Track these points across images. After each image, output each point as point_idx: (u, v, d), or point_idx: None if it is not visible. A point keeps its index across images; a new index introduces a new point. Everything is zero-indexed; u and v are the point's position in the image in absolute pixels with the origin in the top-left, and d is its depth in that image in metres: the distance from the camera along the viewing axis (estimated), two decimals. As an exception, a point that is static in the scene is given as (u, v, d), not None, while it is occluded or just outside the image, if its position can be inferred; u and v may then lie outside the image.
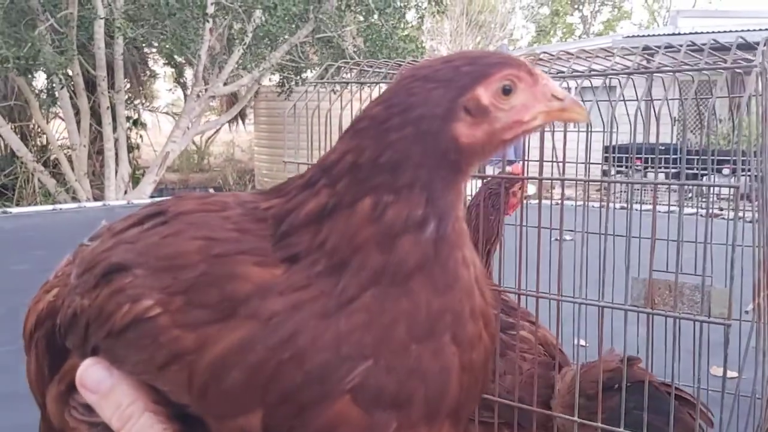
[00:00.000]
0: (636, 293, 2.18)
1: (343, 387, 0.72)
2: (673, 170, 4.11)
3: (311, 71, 15.30)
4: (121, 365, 0.83)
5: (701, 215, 2.68)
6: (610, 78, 1.87)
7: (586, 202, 1.80)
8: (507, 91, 0.82)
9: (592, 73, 1.64)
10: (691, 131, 11.18)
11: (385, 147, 0.77)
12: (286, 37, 14.09)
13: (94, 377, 0.84)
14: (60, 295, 0.99)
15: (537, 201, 2.09)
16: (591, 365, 1.79)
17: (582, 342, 2.89)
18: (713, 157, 2.67)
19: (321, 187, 0.78)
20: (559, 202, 2.01)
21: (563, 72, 1.68)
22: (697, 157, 3.46)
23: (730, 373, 2.64)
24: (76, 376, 0.85)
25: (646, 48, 1.88)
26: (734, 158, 1.98)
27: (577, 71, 1.63)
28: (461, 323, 0.78)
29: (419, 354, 0.75)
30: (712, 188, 2.10)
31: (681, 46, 1.65)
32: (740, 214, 1.95)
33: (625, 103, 2.03)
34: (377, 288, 0.75)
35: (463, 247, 0.80)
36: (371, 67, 1.97)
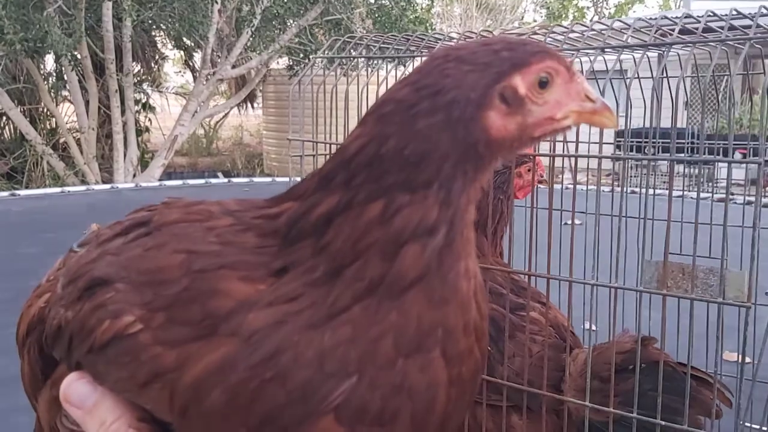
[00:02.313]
0: (648, 276, 2.14)
1: (327, 406, 0.70)
2: (680, 154, 4.05)
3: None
4: (103, 381, 0.81)
5: (714, 199, 2.63)
6: (623, 58, 1.81)
7: (599, 184, 1.75)
8: (543, 84, 0.77)
9: (608, 46, 1.59)
10: (700, 114, 11.04)
11: (411, 136, 0.72)
12: (295, 19, 14.01)
13: (78, 393, 0.82)
14: (50, 301, 0.98)
15: (548, 182, 2.04)
16: (604, 347, 1.74)
17: (593, 326, 2.85)
18: (725, 142, 2.62)
19: (336, 185, 0.74)
20: (570, 185, 1.97)
21: (576, 47, 1.63)
22: (709, 142, 3.41)
23: (746, 359, 2.60)
24: (60, 391, 0.84)
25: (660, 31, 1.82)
26: (746, 143, 1.93)
27: (591, 46, 1.58)
28: (453, 338, 0.75)
29: (406, 369, 0.72)
30: (728, 170, 2.06)
31: (696, 27, 1.60)
32: (751, 197, 1.91)
33: (640, 82, 1.98)
34: (370, 299, 0.71)
35: (467, 258, 0.76)
36: (377, 42, 1.93)
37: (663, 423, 1.45)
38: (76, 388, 0.82)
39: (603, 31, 1.60)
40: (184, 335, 0.74)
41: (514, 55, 0.76)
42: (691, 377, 1.54)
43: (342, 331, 0.71)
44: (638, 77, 1.86)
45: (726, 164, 1.80)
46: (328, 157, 2.00)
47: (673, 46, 1.69)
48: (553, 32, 1.70)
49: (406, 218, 0.71)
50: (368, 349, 0.71)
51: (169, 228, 0.84)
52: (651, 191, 2.42)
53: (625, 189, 1.92)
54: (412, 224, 0.71)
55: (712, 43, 1.57)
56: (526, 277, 1.83)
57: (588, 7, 36.59)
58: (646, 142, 2.66)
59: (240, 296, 0.73)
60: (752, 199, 2.02)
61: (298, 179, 1.97)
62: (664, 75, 1.86)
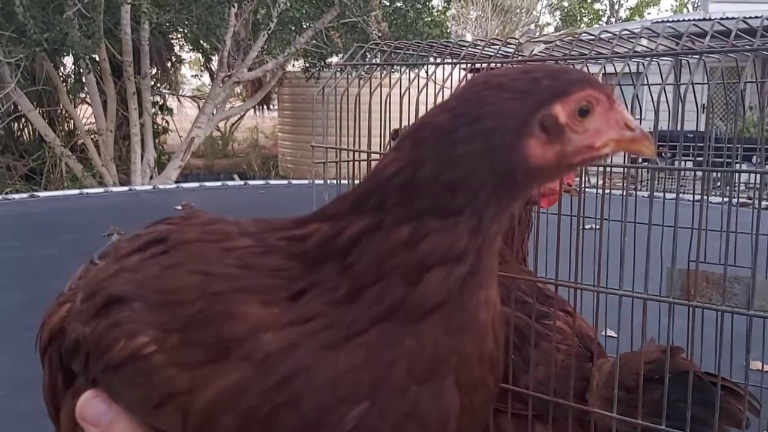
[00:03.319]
0: (672, 285, 2.12)
1: (340, 431, 0.70)
2: (699, 158, 4.01)
3: (336, 57, 15.26)
4: (118, 400, 0.82)
5: (732, 204, 2.60)
6: (637, 63, 1.80)
7: (626, 191, 1.74)
8: (584, 113, 0.77)
9: (636, 55, 1.57)
10: (720, 119, 10.97)
11: (448, 163, 0.71)
12: (311, 22, 14.05)
13: (94, 411, 0.83)
14: (70, 312, 0.98)
15: (576, 192, 2.03)
16: (630, 356, 1.72)
17: (612, 333, 2.83)
18: (747, 146, 2.59)
19: (369, 208, 0.74)
20: (589, 190, 1.95)
21: (603, 54, 1.62)
22: (725, 145, 3.38)
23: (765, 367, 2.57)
24: (76, 409, 0.84)
25: (674, 35, 1.80)
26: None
27: (619, 53, 1.56)
28: (467, 367, 0.75)
29: (418, 396, 0.72)
30: (762, 179, 2.04)
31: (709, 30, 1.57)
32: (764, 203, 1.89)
33: (649, 89, 1.96)
34: (388, 323, 0.71)
35: (488, 288, 0.76)
36: (401, 49, 1.92)
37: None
38: (91, 407, 0.83)
39: (631, 39, 1.59)
40: (198, 358, 0.74)
41: (555, 83, 0.76)
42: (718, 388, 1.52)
43: (356, 354, 0.71)
44: (662, 83, 1.84)
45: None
46: (350, 163, 2.01)
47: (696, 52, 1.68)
48: (581, 39, 1.69)
49: (434, 243, 0.71)
50: (381, 374, 0.71)
51: (186, 247, 0.84)
52: (661, 195, 2.40)
53: (635, 195, 1.90)
54: (439, 250, 0.71)
55: (743, 52, 1.56)
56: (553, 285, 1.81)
57: (603, 11, 36.41)
58: (670, 145, 2.64)
59: (255, 319, 0.73)
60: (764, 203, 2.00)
61: (320, 182, 1.99)
62: (676, 83, 1.84)
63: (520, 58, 1.73)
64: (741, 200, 3.27)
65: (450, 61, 1.82)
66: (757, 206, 1.80)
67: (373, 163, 2.05)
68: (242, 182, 10.92)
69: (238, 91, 19.99)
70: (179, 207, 7.56)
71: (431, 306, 0.71)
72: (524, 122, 0.73)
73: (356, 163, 1.96)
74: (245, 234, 0.83)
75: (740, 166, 2.83)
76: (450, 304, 0.72)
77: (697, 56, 1.52)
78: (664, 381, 1.52)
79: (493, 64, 1.80)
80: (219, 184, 10.23)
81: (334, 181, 1.98)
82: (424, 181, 0.72)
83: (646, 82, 1.93)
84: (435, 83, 1.81)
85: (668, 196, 2.60)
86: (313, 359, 0.70)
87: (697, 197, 2.38)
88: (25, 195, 8.95)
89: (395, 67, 1.99)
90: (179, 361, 0.75)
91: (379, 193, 0.73)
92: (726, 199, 2.86)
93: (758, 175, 1.91)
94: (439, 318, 0.72)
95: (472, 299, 0.73)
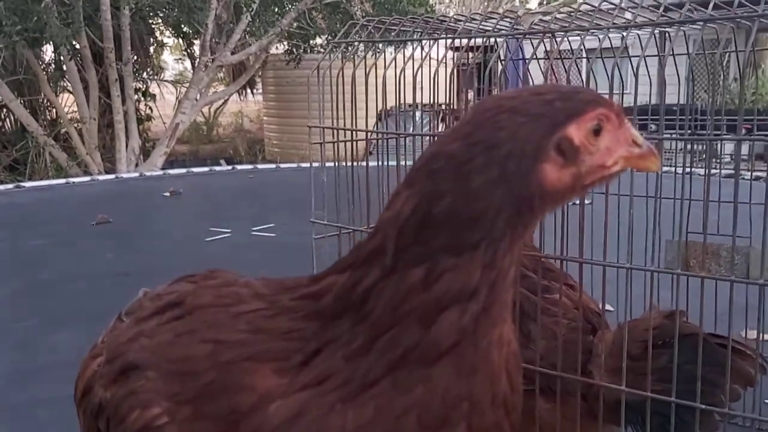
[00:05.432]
0: (671, 256, 2.12)
1: None
2: (682, 131, 4.02)
3: (319, 38, 15.15)
4: None
5: (719, 176, 2.61)
6: (623, 37, 1.78)
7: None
8: (597, 132, 0.76)
9: (635, 24, 1.56)
10: (704, 90, 11.00)
11: (466, 194, 0.70)
12: (294, 3, 13.91)
13: None
14: (98, 371, 1.01)
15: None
16: (633, 324, 1.71)
17: (609, 307, 2.84)
18: (730, 117, 2.60)
19: (386, 254, 0.72)
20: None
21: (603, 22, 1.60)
22: (710, 117, 3.40)
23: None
24: None
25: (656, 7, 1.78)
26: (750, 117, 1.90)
27: (618, 24, 1.55)
28: (479, 411, 0.74)
29: None
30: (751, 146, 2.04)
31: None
32: (758, 173, 1.91)
33: (645, 61, 1.94)
34: (401, 370, 0.70)
35: (503, 324, 0.75)
36: (397, 25, 1.90)
37: (702, 407, 1.43)
38: None
39: (632, 9, 1.58)
40: (208, 430, 0.75)
41: (568, 104, 0.75)
42: (724, 348, 1.51)
43: (366, 410, 0.70)
44: (629, 56, 1.82)
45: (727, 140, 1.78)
46: (348, 143, 1.99)
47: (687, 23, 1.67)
48: (579, 10, 1.67)
49: (449, 282, 0.70)
50: (391, 427, 0.70)
51: (201, 313, 0.86)
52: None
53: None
54: (455, 288, 0.70)
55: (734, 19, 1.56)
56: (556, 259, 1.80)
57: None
58: (652, 119, 2.64)
59: (263, 390, 0.74)
60: (759, 174, 2.02)
61: (317, 165, 1.97)
62: (662, 54, 1.83)
63: (517, 31, 1.72)
64: (727, 172, 3.29)
65: (446, 36, 1.80)
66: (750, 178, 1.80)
67: (371, 143, 2.04)
68: (230, 167, 10.83)
69: (221, 75, 19.81)
70: (167, 193, 7.51)
71: (445, 348, 0.70)
72: (540, 146, 0.72)
73: (354, 143, 1.95)
74: (257, 296, 0.84)
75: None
76: (463, 343, 0.71)
77: (700, 24, 1.51)
78: (668, 346, 1.53)
79: (493, 39, 1.79)
80: (206, 169, 10.15)
81: (330, 163, 1.97)
82: (441, 215, 0.70)
83: (642, 54, 1.92)
84: (431, 59, 1.80)
85: (664, 170, 2.60)
86: (320, 425, 0.70)
87: (685, 170, 2.40)
88: (10, 186, 8.84)
89: (389, 43, 1.97)
90: None
91: (396, 236, 0.72)
92: (715, 171, 2.88)
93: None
94: (452, 359, 0.71)
95: (485, 338, 0.72)
